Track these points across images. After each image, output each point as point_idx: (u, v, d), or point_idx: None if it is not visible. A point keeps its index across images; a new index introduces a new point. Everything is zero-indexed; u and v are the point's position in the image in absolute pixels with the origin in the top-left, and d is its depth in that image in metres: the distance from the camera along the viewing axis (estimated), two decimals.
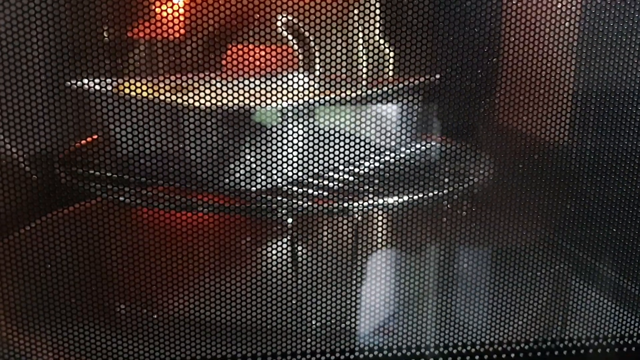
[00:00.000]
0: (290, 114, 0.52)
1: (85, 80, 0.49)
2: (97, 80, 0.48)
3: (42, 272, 0.50)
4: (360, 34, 0.51)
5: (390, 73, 0.55)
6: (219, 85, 0.48)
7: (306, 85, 0.56)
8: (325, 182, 0.55)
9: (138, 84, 0.49)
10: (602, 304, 0.57)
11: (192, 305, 0.54)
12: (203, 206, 0.53)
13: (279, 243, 0.54)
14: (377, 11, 0.49)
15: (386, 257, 0.54)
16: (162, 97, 0.51)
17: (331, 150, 0.51)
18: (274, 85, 0.49)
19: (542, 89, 0.52)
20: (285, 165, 0.54)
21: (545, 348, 0.57)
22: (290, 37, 0.55)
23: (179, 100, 0.51)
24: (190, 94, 0.50)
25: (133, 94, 0.49)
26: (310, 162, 0.52)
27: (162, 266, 0.51)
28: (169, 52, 0.49)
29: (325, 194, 0.55)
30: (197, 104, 0.48)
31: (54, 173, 0.55)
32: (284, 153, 0.53)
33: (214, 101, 0.48)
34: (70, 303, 0.52)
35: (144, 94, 0.50)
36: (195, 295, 0.53)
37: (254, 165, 0.53)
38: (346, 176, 0.56)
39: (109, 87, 0.49)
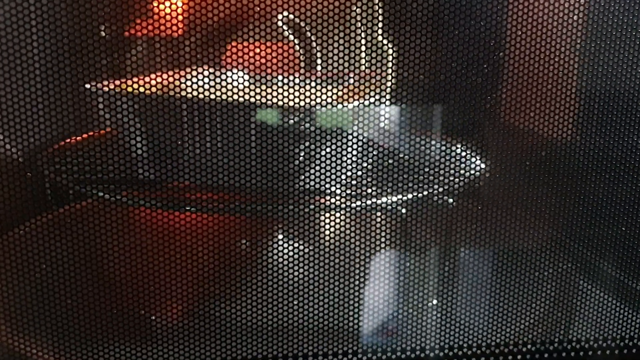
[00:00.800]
0: (295, 114, 0.51)
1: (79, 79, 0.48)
2: (90, 79, 0.48)
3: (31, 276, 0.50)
4: (362, 31, 0.50)
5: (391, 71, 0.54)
6: (217, 80, 0.47)
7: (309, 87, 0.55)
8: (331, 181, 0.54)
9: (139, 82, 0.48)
10: (605, 305, 0.56)
11: (191, 308, 0.53)
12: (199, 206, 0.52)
13: (285, 242, 0.53)
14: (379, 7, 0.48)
15: (394, 258, 0.54)
16: (159, 93, 0.50)
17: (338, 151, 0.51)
18: (277, 85, 0.49)
19: (546, 85, 0.51)
20: (290, 165, 0.53)
21: (551, 350, 0.56)
22: (290, 34, 0.54)
23: (181, 95, 0.50)
24: (189, 90, 0.49)
25: (129, 89, 0.48)
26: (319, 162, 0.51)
27: (166, 268, 0.51)
28: (166, 49, 0.48)
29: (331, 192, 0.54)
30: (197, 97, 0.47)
31: (42, 173, 0.54)
32: (289, 153, 0.52)
33: (213, 96, 0.47)
34: (63, 307, 0.51)
35: (141, 89, 0.49)
36: (199, 298, 0.52)
37: (254, 164, 0.52)
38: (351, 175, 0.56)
39: (103, 85, 0.48)
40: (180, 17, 0.46)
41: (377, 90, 0.53)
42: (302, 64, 0.55)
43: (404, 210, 0.54)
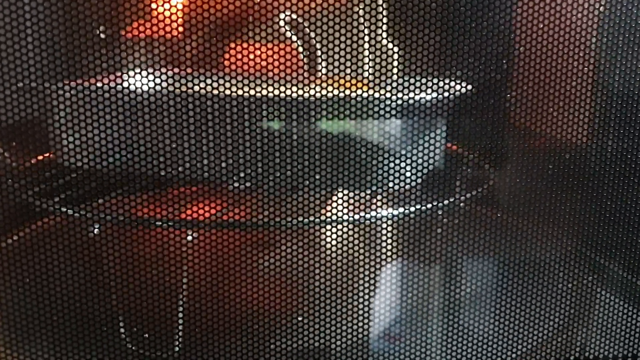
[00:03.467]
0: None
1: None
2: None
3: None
4: (366, 32, 0.48)
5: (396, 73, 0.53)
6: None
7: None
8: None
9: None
10: (614, 321, 0.55)
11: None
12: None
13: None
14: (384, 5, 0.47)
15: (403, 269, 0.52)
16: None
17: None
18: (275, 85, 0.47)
19: (560, 89, 0.50)
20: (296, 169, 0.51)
21: None
22: (292, 35, 0.52)
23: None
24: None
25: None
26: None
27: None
28: (165, 49, 0.47)
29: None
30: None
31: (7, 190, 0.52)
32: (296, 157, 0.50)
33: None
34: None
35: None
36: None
37: (254, 167, 0.51)
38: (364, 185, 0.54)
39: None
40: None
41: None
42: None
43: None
